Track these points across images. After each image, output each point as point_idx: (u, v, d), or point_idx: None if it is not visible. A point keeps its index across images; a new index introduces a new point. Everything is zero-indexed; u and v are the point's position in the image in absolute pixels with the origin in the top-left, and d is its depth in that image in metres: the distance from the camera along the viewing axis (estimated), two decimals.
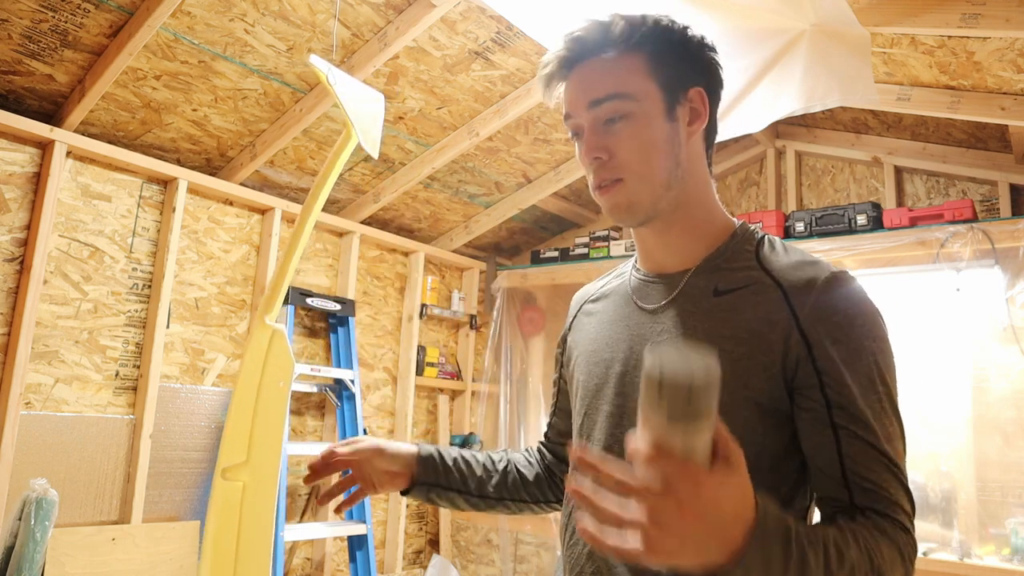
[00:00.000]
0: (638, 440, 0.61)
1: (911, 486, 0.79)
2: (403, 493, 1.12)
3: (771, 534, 0.64)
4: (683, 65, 0.91)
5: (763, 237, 0.94)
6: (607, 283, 1.08)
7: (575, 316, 1.10)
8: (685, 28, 0.93)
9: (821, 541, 0.69)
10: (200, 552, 1.65)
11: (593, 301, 1.07)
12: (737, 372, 0.82)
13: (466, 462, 1.14)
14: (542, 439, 1.21)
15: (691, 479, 0.59)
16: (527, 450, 1.22)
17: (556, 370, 1.16)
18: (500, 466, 1.16)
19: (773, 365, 0.82)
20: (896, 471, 0.78)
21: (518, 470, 1.16)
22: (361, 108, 1.64)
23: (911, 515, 0.78)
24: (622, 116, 0.88)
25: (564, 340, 1.12)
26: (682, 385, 0.57)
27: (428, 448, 1.13)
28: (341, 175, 3.31)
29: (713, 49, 0.94)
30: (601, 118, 0.89)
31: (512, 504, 1.15)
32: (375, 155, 1.74)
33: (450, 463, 1.12)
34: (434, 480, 1.11)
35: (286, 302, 3.15)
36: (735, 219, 0.97)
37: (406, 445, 1.13)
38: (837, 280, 0.84)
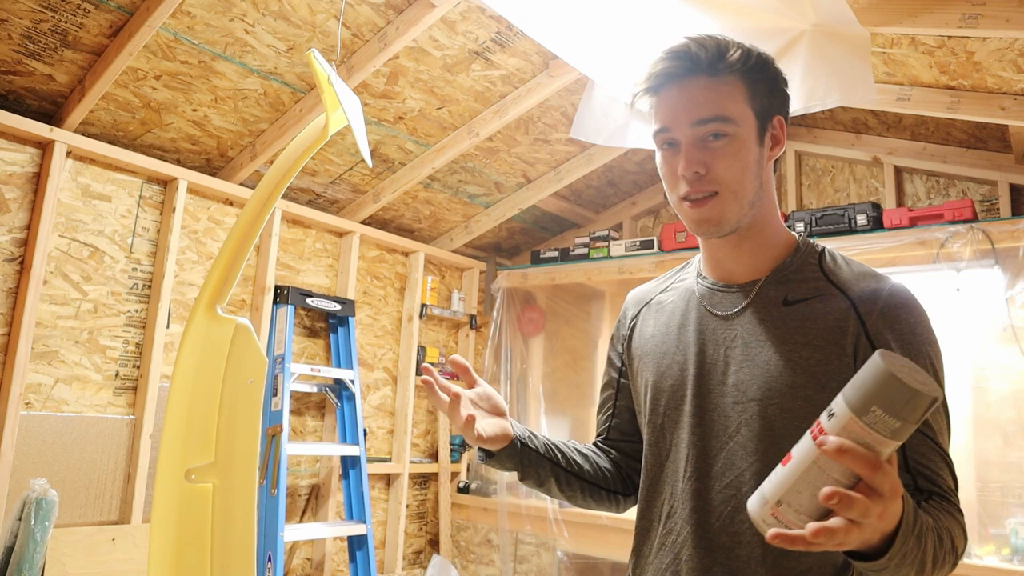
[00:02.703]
0: (850, 437, 0.64)
1: None
2: (487, 457, 1.07)
3: (910, 527, 0.72)
4: (772, 95, 1.00)
5: (823, 250, 1.03)
6: (665, 288, 1.15)
7: (635, 317, 1.16)
8: (772, 60, 1.01)
9: (931, 528, 0.78)
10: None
11: (652, 305, 1.14)
12: (816, 376, 0.91)
13: (555, 444, 1.14)
14: (599, 440, 1.23)
15: (897, 483, 0.66)
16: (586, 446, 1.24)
17: (612, 370, 1.20)
18: (587, 451, 1.17)
19: (847, 369, 0.90)
20: (948, 463, 0.90)
21: (597, 457, 1.18)
22: (350, 111, 1.63)
23: (958, 499, 0.90)
24: (723, 136, 0.95)
25: (626, 341, 1.16)
26: (927, 397, 0.60)
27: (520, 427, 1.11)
28: (341, 175, 3.31)
29: (786, 81, 1.03)
30: (702, 135, 0.96)
31: (593, 488, 1.14)
32: (369, 160, 1.74)
33: (541, 440, 1.11)
34: (531, 447, 1.08)
35: (286, 302, 3.15)
36: (795, 233, 1.06)
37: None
38: (898, 291, 0.95)
